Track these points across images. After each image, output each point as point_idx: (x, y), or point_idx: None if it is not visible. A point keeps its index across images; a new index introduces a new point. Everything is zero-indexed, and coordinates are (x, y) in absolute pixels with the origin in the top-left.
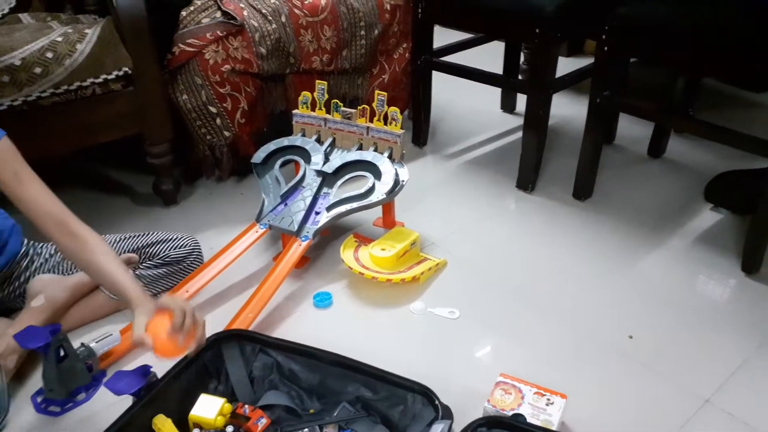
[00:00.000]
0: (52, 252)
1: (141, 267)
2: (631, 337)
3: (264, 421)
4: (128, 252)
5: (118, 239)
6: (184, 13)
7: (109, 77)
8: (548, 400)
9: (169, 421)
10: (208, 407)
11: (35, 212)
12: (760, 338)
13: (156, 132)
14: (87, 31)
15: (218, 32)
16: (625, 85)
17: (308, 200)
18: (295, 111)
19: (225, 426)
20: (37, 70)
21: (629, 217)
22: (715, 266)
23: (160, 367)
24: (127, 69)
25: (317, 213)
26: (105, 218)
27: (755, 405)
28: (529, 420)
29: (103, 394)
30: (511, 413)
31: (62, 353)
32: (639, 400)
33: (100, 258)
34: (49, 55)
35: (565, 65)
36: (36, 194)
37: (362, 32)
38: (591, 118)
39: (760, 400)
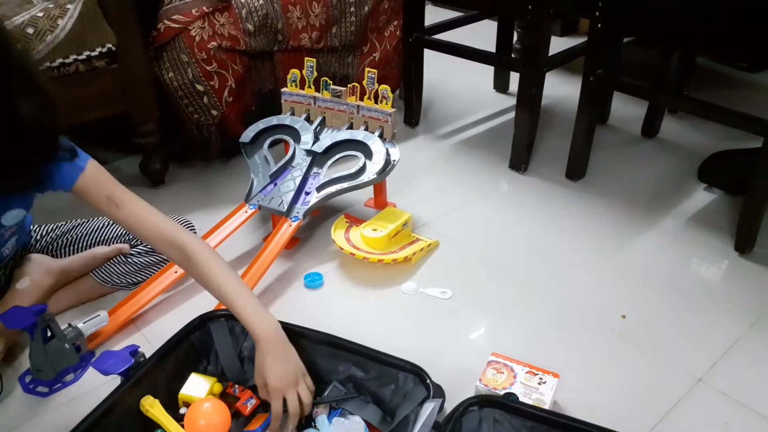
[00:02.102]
0: (43, 233)
1: (132, 253)
2: (624, 316)
3: (253, 402)
4: (118, 237)
5: (107, 223)
6: None
7: (93, 54)
8: (540, 379)
9: (157, 402)
10: (198, 386)
11: (137, 233)
12: (753, 317)
13: (142, 110)
14: (69, 6)
15: (204, 8)
16: (619, 64)
17: (298, 180)
18: (283, 89)
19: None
20: (18, 46)
21: (622, 198)
22: (708, 246)
23: (149, 348)
24: (110, 46)
25: (307, 193)
26: None
27: (748, 384)
28: (521, 399)
29: (91, 374)
30: (503, 392)
31: (49, 334)
32: (631, 380)
33: (217, 280)
34: (30, 30)
35: (559, 45)
36: (134, 216)
37: (352, 9)
38: (584, 97)
39: (753, 378)
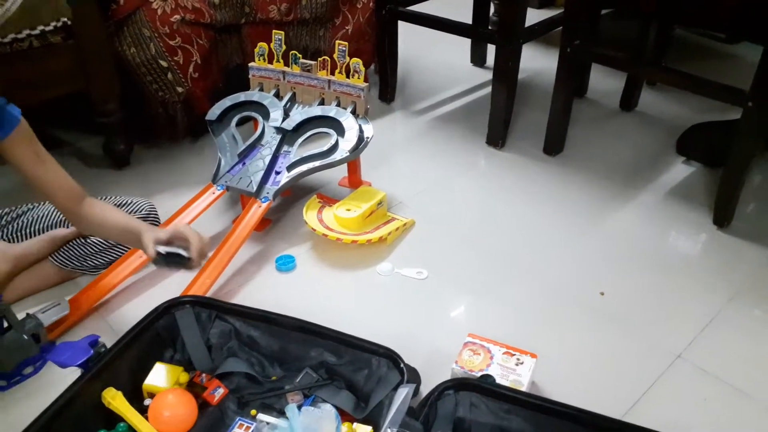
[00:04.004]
0: None
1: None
2: (602, 293)
3: (221, 391)
4: None
5: None
6: None
7: (47, 29)
8: (518, 359)
9: (120, 394)
10: (163, 376)
11: (51, 188)
12: (731, 292)
13: (101, 88)
14: None
15: None
16: (597, 34)
17: (267, 159)
18: (251, 64)
19: None
20: None
21: (601, 172)
22: (687, 220)
23: (114, 337)
24: (66, 20)
25: (277, 173)
26: None
27: (727, 359)
28: (499, 381)
29: (53, 366)
30: (479, 374)
31: (5, 325)
32: (610, 358)
33: (106, 214)
34: None
35: (537, 17)
36: (53, 172)
37: None
38: (562, 69)
39: (732, 353)
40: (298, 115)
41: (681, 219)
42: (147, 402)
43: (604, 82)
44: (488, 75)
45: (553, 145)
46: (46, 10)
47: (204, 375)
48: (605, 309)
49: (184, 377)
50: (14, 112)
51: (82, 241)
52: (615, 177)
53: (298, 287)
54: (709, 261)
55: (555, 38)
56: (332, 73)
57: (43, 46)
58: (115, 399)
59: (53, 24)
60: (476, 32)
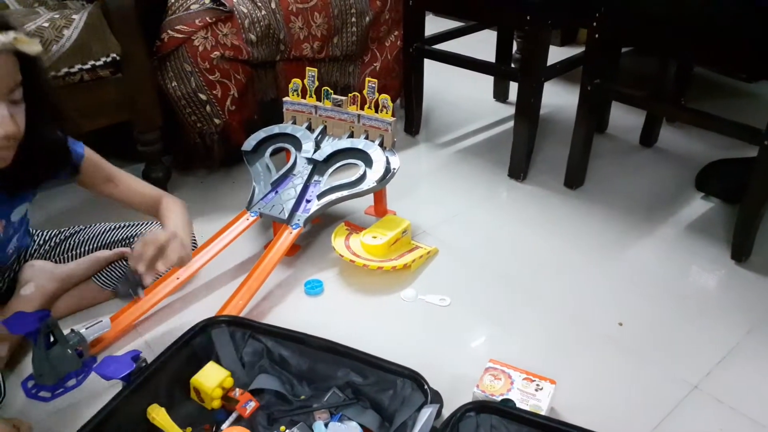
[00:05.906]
0: (46, 238)
1: None
2: (620, 324)
3: (252, 404)
4: (121, 240)
5: (110, 228)
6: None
7: (98, 64)
8: (537, 385)
9: (163, 410)
10: (211, 375)
11: (127, 204)
12: (749, 325)
13: (145, 119)
14: (74, 16)
15: (207, 18)
16: (617, 73)
17: (299, 188)
18: (285, 98)
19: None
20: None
21: (620, 206)
22: (705, 254)
23: (151, 353)
24: (115, 55)
25: (308, 201)
26: (93, 207)
27: (743, 390)
28: (518, 405)
29: (93, 380)
30: (500, 398)
31: (52, 339)
32: (628, 386)
33: (164, 212)
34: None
35: (559, 54)
36: (125, 190)
37: (353, 19)
38: (582, 106)
39: (748, 385)
40: (328, 146)
41: (699, 253)
42: None
43: (625, 118)
44: (511, 110)
45: (574, 178)
46: (97, 46)
47: (238, 390)
48: (623, 339)
49: (229, 382)
50: (77, 151)
51: (124, 263)
52: (634, 211)
53: (326, 310)
54: (726, 294)
55: (577, 75)
56: (362, 108)
57: (93, 79)
58: (159, 415)
59: (103, 59)
60: (499, 70)
